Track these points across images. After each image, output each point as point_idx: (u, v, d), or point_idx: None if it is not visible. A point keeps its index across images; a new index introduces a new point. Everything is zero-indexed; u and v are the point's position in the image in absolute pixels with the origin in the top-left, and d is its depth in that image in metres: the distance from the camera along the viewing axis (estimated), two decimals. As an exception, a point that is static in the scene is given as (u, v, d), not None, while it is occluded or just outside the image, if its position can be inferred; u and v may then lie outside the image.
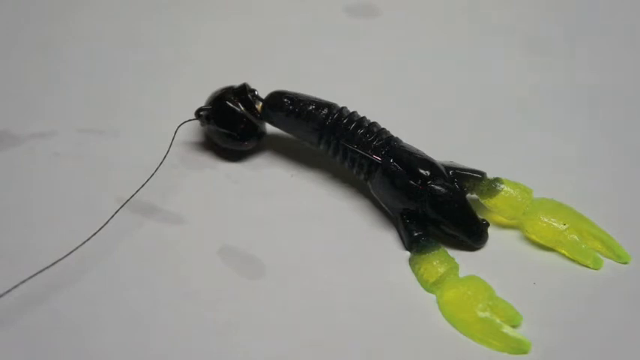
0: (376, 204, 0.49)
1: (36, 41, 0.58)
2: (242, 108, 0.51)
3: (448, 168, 0.48)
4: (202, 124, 0.51)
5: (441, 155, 0.49)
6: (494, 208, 0.48)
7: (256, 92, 0.51)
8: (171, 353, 0.43)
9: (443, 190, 0.47)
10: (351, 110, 0.49)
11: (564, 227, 0.47)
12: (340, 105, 0.50)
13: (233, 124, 0.50)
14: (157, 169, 0.48)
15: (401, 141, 0.48)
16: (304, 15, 0.62)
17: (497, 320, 0.43)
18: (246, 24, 0.60)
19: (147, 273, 0.46)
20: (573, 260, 0.46)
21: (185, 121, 0.50)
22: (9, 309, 0.43)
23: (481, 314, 0.44)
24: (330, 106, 0.49)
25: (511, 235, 0.48)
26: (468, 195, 0.48)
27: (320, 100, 0.50)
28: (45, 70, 0.57)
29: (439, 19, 0.62)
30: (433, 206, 0.47)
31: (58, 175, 0.50)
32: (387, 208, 0.48)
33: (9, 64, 0.57)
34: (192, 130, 0.52)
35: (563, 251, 0.47)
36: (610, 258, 0.47)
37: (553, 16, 0.62)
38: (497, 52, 0.59)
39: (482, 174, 0.48)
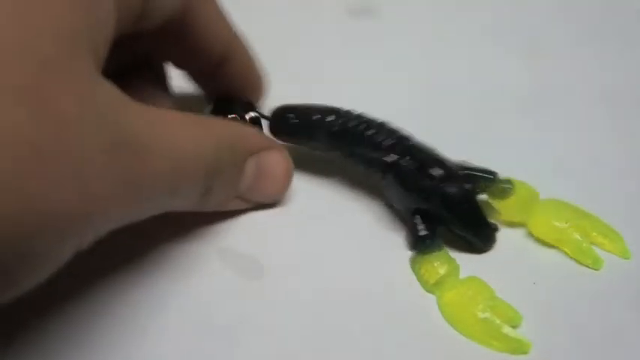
0: (377, 204, 0.49)
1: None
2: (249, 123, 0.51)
3: (460, 168, 0.48)
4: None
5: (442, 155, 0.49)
6: (502, 209, 0.47)
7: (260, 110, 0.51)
8: (171, 353, 0.43)
9: (455, 190, 0.46)
10: (355, 111, 0.49)
11: (567, 225, 0.47)
12: (345, 107, 0.49)
13: None
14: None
15: (413, 139, 0.48)
16: (304, 15, 0.62)
17: (498, 321, 0.43)
18: (247, 24, 0.60)
19: (146, 273, 0.46)
20: (574, 259, 0.46)
21: None
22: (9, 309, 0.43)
23: (481, 315, 0.44)
24: (335, 111, 0.49)
25: (512, 234, 0.48)
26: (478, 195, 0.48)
27: (324, 107, 0.49)
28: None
29: (439, 19, 0.62)
30: (445, 207, 0.46)
31: (58, 175, 0.50)
32: (398, 208, 0.48)
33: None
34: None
35: (565, 249, 0.47)
36: (613, 253, 0.47)
37: (553, 16, 0.62)
38: (498, 52, 0.59)
39: (494, 174, 0.48)
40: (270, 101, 0.51)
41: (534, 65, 0.58)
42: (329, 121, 0.49)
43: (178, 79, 0.56)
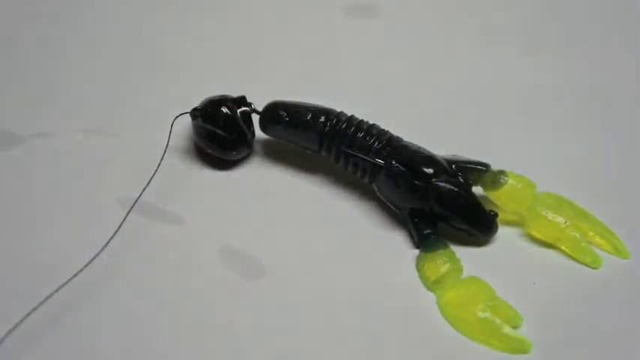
0: (375, 205, 0.49)
1: (36, 41, 0.58)
2: (239, 116, 0.50)
3: (451, 162, 0.48)
4: (197, 122, 0.50)
5: (443, 154, 0.48)
6: (497, 201, 0.47)
7: (253, 105, 0.51)
8: (171, 353, 0.43)
9: (447, 186, 0.46)
10: (350, 112, 0.49)
11: (566, 224, 0.47)
12: (339, 108, 0.49)
13: (227, 130, 0.50)
14: (157, 167, 0.48)
15: (402, 140, 0.48)
16: (304, 15, 0.61)
17: (498, 321, 0.43)
18: (246, 24, 0.60)
19: (147, 273, 0.46)
20: (573, 258, 0.46)
21: (181, 114, 0.50)
22: (10, 310, 0.43)
23: (481, 314, 0.44)
24: (327, 112, 0.49)
25: (511, 234, 0.48)
26: (473, 188, 0.48)
27: (316, 107, 0.49)
28: (45, 70, 0.57)
29: (439, 20, 0.62)
30: (439, 203, 0.46)
31: (58, 175, 0.50)
32: (394, 209, 0.48)
33: (9, 64, 0.57)
34: (192, 130, 0.52)
35: (563, 248, 0.47)
36: (610, 253, 0.47)
37: (552, 15, 0.62)
38: (498, 52, 0.59)
39: (487, 165, 0.48)
40: (266, 99, 0.51)
41: (534, 64, 0.58)
42: (320, 122, 0.49)
43: (178, 79, 0.56)
